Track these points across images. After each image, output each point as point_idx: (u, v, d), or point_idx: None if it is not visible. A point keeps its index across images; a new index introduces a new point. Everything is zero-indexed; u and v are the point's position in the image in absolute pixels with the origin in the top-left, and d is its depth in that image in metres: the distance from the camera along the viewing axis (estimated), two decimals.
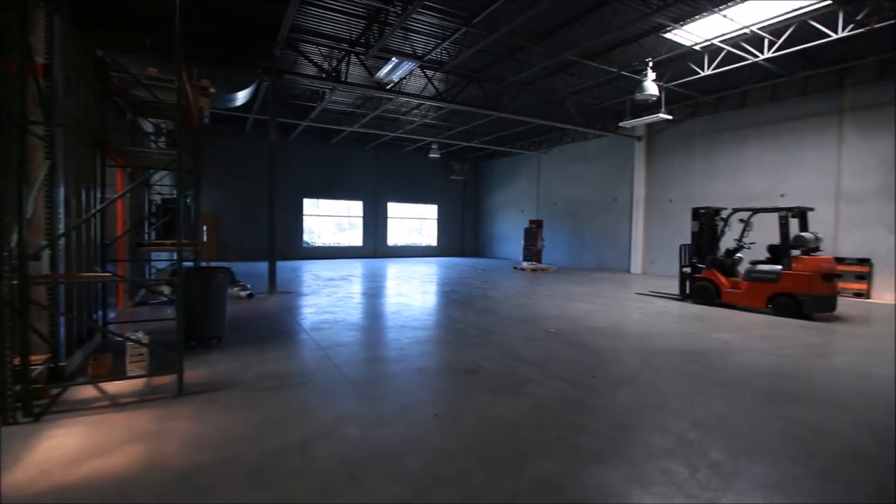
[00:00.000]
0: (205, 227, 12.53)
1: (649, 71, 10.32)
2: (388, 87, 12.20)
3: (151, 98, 5.28)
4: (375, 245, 23.16)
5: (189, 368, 4.35)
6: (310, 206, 21.52)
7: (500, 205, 24.49)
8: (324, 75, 11.47)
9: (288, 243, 20.03)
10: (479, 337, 6.38)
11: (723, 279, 9.09)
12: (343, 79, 11.44)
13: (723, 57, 10.26)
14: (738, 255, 9.26)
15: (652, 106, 12.34)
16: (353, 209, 22.74)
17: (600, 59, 11.02)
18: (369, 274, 15.19)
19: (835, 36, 8.53)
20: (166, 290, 8.97)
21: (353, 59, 11.03)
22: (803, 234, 8.34)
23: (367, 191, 22.74)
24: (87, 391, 4.02)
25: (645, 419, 3.64)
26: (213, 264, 8.32)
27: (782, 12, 8.28)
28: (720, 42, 9.61)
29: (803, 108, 12.09)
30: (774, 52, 9.57)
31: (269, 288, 10.41)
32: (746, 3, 7.92)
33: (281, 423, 3.42)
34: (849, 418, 3.72)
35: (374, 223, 23.14)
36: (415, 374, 4.74)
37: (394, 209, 23.91)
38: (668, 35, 9.33)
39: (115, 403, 3.77)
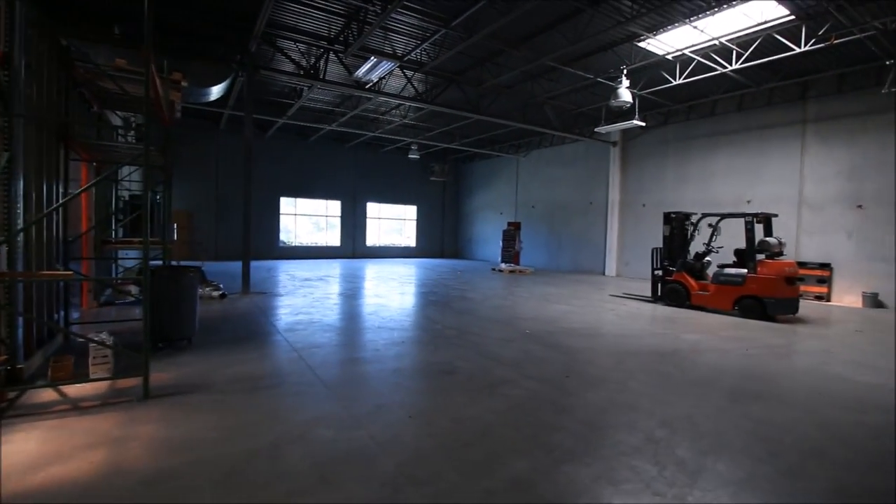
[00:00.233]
0: (175, 225, 12.18)
1: (624, 78, 10.57)
2: (367, 86, 12.13)
3: (118, 90, 5.11)
4: (354, 245, 22.95)
5: (156, 371, 4.22)
6: (287, 205, 21.15)
7: (480, 207, 24.63)
8: (301, 72, 11.31)
9: (264, 243, 19.67)
10: (456, 338, 6.39)
11: (692, 282, 9.37)
12: (321, 76, 11.30)
13: (693, 67, 10.60)
14: (707, 258, 9.58)
15: (626, 112, 12.63)
16: (331, 209, 22.47)
17: (577, 65, 11.23)
18: (347, 274, 15.04)
19: (798, 50, 8.95)
20: (134, 289, 8.68)
21: (332, 56, 10.93)
22: (768, 238, 8.69)
23: (345, 190, 22.51)
24: (47, 394, 3.85)
25: (616, 418, 3.72)
26: (183, 263, 8.09)
27: (749, 25, 8.63)
28: (691, 52, 9.92)
29: (769, 118, 12.60)
30: (742, 63, 9.96)
31: (243, 288, 10.19)
32: (716, 15, 8.22)
33: (251, 426, 3.35)
34: (810, 417, 3.89)
35: (353, 223, 22.92)
36: (390, 375, 4.72)
37: (373, 209, 23.75)
38: (641, 44, 9.57)
39: (77, 407, 3.62)
